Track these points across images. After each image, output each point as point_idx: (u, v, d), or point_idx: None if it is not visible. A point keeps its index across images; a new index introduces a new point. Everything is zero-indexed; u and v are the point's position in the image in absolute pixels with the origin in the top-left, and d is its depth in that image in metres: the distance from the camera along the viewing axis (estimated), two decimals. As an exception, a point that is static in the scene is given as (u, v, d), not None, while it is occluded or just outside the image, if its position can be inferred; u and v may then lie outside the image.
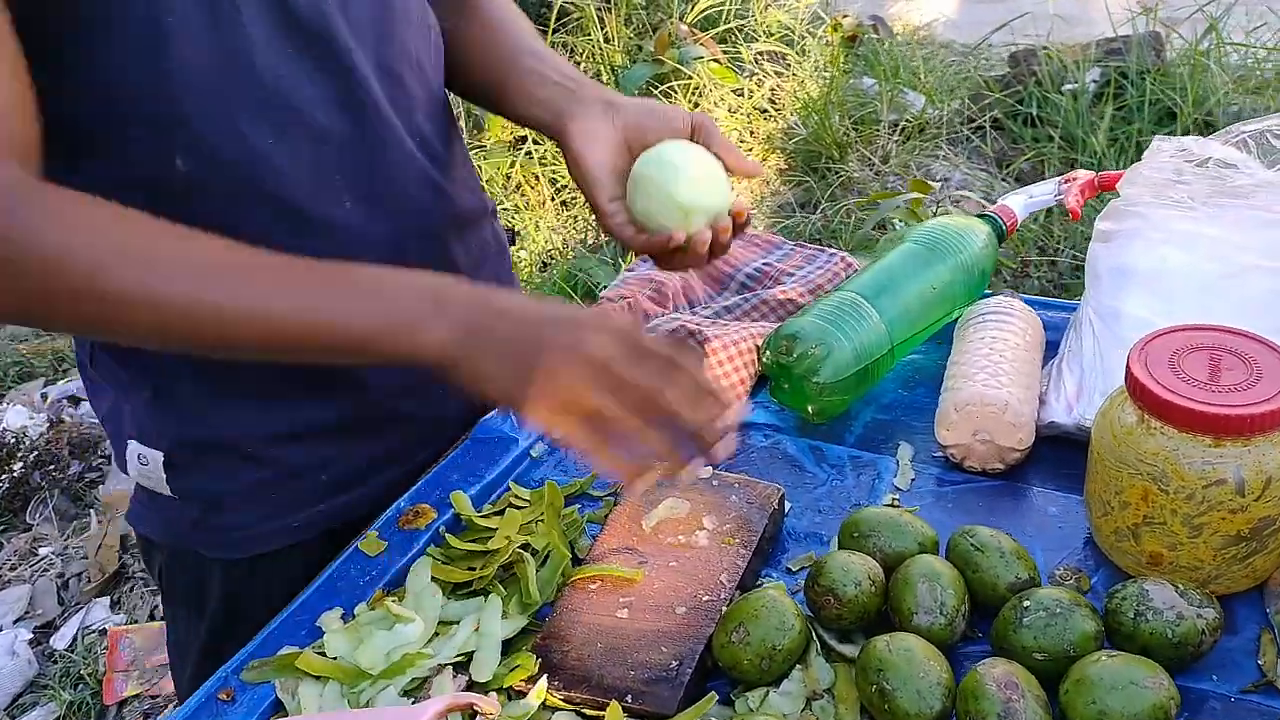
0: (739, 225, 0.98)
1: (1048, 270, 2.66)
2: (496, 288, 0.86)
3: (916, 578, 0.84)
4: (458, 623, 0.90)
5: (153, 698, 2.20)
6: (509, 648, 0.88)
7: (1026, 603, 0.80)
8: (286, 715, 0.83)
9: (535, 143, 3.36)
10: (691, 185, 0.93)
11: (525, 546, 0.96)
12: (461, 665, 0.86)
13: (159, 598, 2.35)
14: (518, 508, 1.02)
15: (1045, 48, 3.33)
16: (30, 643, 2.32)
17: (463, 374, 0.80)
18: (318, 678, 0.85)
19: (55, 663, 2.31)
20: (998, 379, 1.01)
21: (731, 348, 1.11)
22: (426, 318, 0.79)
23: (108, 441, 2.86)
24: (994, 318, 1.11)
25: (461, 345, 0.79)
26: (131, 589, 2.43)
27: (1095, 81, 3.20)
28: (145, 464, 1.02)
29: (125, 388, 1.01)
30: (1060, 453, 1.03)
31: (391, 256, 0.87)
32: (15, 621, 2.41)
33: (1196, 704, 0.78)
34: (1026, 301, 1.19)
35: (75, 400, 3.07)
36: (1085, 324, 1.07)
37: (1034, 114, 3.19)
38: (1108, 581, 0.89)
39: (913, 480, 1.03)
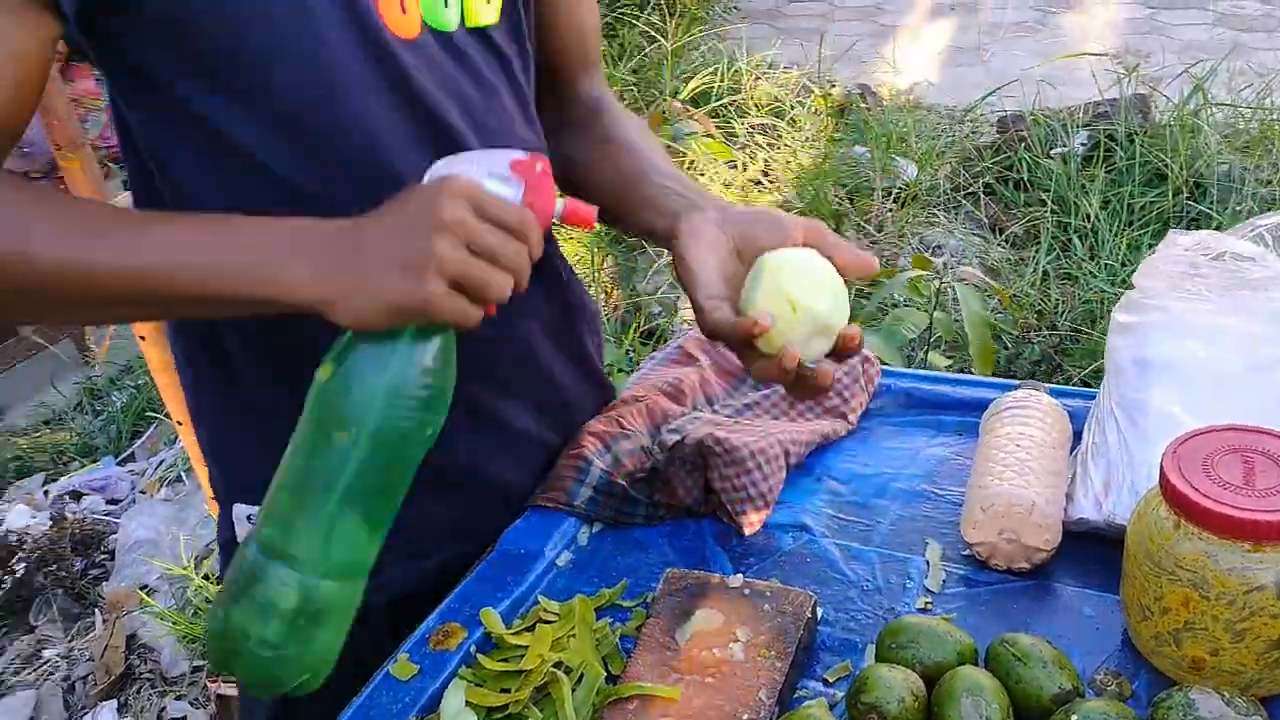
0: (848, 350, 0.90)
1: (1048, 337, 2.68)
2: (341, 219, 0.84)
3: (960, 692, 0.83)
4: (495, 751, 0.88)
5: (164, 803, 2.15)
6: (548, 776, 0.87)
7: (1074, 716, 0.80)
8: None
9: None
10: (805, 282, 0.87)
11: (559, 665, 0.95)
12: (502, 798, 0.84)
13: (167, 699, 2.32)
14: (548, 622, 1.01)
15: (1033, 113, 3.38)
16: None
17: (340, 312, 0.81)
18: (357, 815, 0.84)
19: (62, 770, 2.26)
20: (1024, 477, 1.01)
21: (759, 456, 1.11)
22: (285, 259, 0.83)
23: (112, 537, 2.84)
24: (1020, 412, 1.11)
25: (332, 280, 0.81)
26: (139, 690, 2.39)
27: (1084, 144, 3.25)
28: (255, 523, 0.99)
29: (224, 446, 1.07)
30: (1088, 549, 1.02)
31: None
32: (19, 728, 2.37)
33: (1251, 815, 0.77)
34: (1051, 393, 1.19)
35: (77, 495, 3.05)
36: (1109, 417, 1.07)
37: (1025, 179, 3.23)
38: (1149, 686, 0.89)
39: (944, 581, 1.02)
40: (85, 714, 2.38)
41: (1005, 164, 3.30)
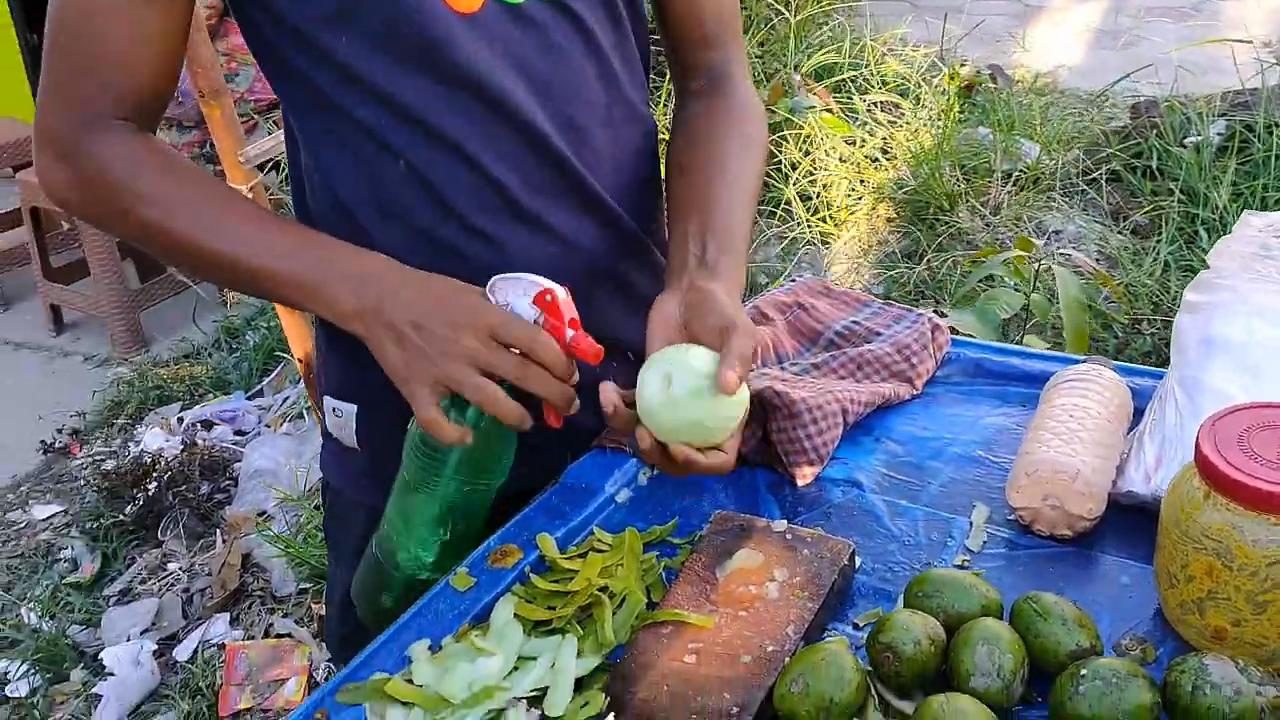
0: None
1: (1161, 329, 2.61)
2: (415, 272, 1.02)
3: (976, 639, 0.86)
4: (536, 659, 0.95)
5: (264, 711, 2.32)
6: (582, 685, 0.93)
7: (1084, 671, 0.82)
8: (375, 737, 0.90)
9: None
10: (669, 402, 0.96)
11: (604, 589, 1.01)
12: (536, 700, 0.91)
13: (275, 616, 2.48)
14: (600, 551, 1.08)
15: (1168, 99, 3.27)
16: (154, 654, 2.46)
17: (371, 348, 1.00)
18: (405, 704, 0.91)
19: (176, 674, 2.45)
20: (1072, 446, 1.03)
21: (816, 411, 1.15)
22: (344, 290, 1.00)
23: (236, 464, 3.03)
24: (1079, 384, 1.12)
25: (367, 327, 1.00)
26: (250, 606, 2.57)
27: (1220, 134, 3.13)
28: (339, 416, 1.22)
29: (329, 345, 1.21)
30: (1137, 522, 1.03)
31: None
32: (142, 632, 2.57)
33: (1256, 782, 0.78)
34: (1118, 369, 1.19)
35: (208, 424, 3.26)
36: (1169, 394, 1.07)
37: (1154, 167, 3.13)
38: (1173, 653, 0.90)
39: (984, 543, 1.05)
40: (201, 623, 2.57)
41: (1134, 151, 3.20)
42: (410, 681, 0.93)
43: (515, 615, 1.00)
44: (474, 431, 0.99)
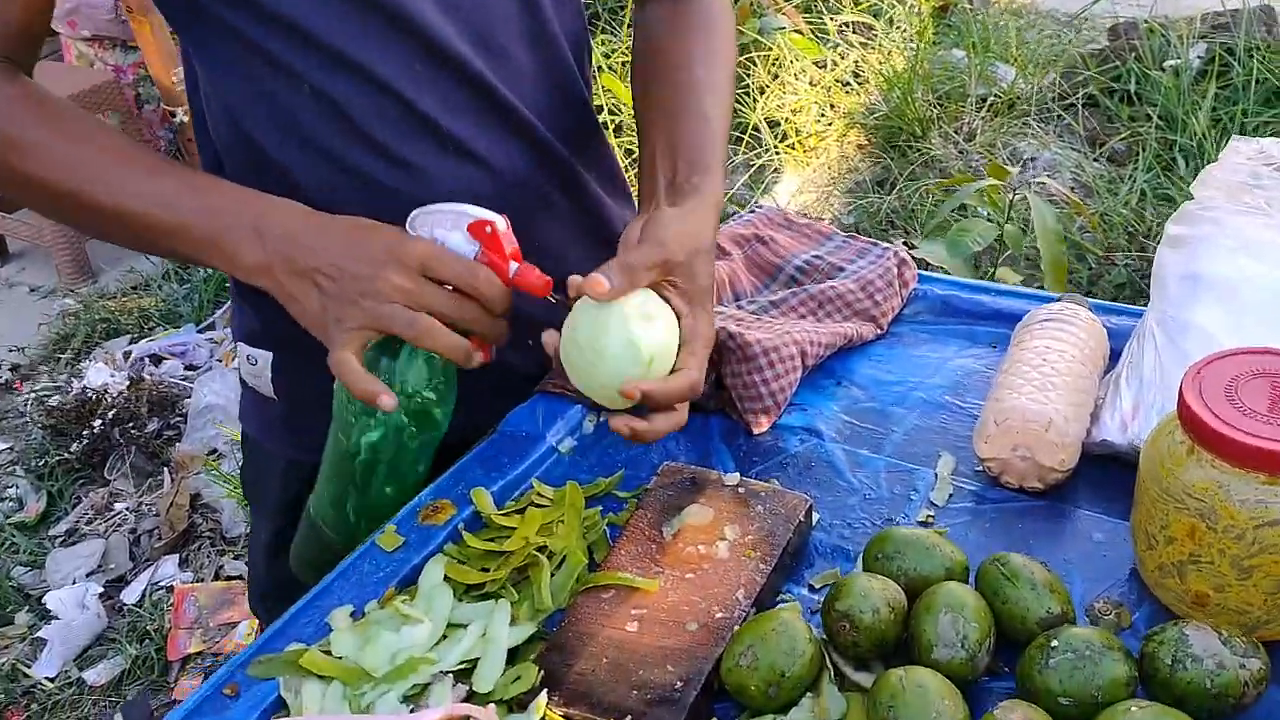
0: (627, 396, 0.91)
1: (1137, 260, 2.54)
2: (318, 214, 0.92)
3: (939, 607, 0.79)
4: (466, 627, 0.88)
5: (215, 655, 2.25)
6: (515, 655, 0.86)
7: (1055, 642, 0.75)
8: (288, 714, 0.83)
9: (611, 112, 3.32)
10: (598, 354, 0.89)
11: (542, 549, 0.94)
12: (465, 672, 0.84)
13: (225, 558, 2.41)
14: (539, 507, 1.00)
15: (1148, 21, 3.16)
16: (101, 596, 2.39)
17: (279, 299, 0.92)
18: (322, 677, 0.84)
19: (124, 616, 2.38)
20: (1045, 393, 0.96)
21: (772, 354, 1.07)
22: (245, 241, 0.91)
23: (186, 400, 2.93)
24: (1053, 325, 1.05)
25: (272, 275, 0.91)
26: (199, 548, 2.49)
27: (1199, 58, 3.04)
28: (254, 364, 1.14)
29: (238, 288, 1.12)
30: (1111, 474, 0.97)
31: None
32: (88, 575, 2.49)
33: (1236, 760, 0.72)
34: (1093, 308, 1.12)
35: (157, 359, 3.15)
36: (1148, 335, 1.00)
37: (1132, 91, 3.04)
38: (1150, 619, 0.84)
39: (950, 496, 0.98)
40: (149, 565, 2.49)
41: (1112, 74, 3.11)
42: (328, 653, 0.86)
43: (445, 578, 0.92)
44: (405, 376, 0.91)
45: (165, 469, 2.73)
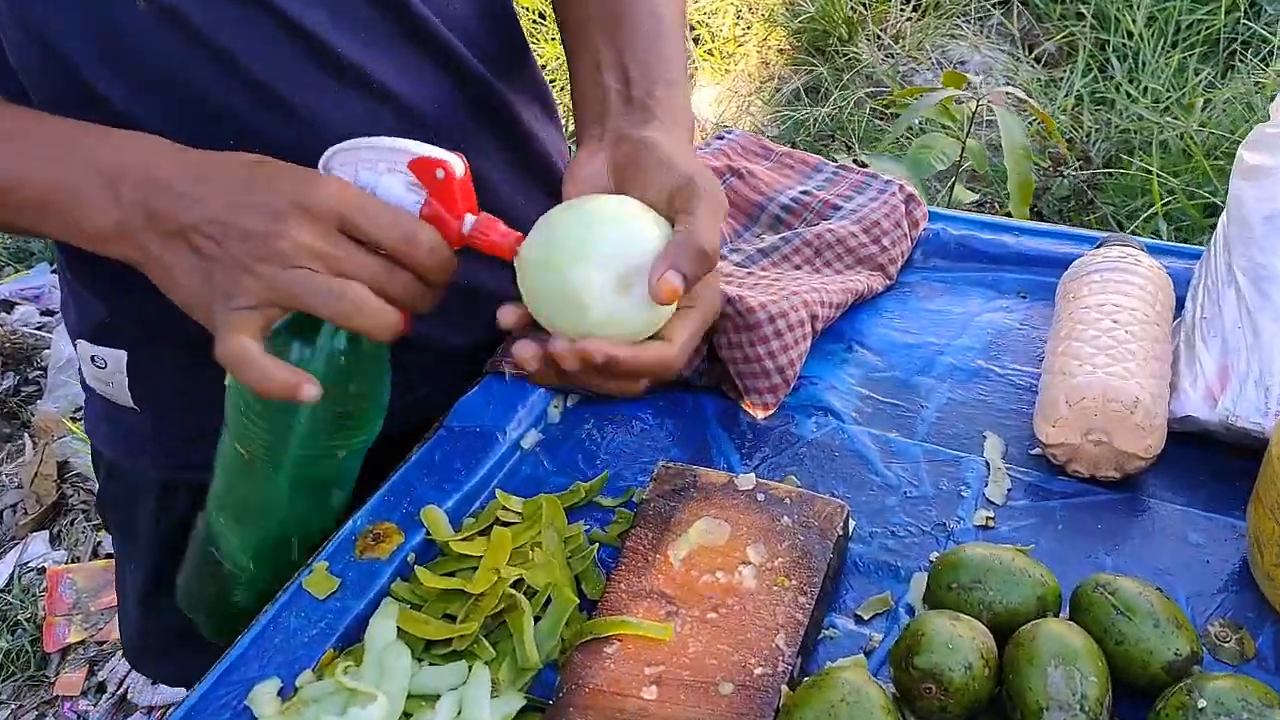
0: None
1: (1080, 169, 2.42)
2: (194, 152, 0.68)
3: (1046, 658, 0.63)
4: (435, 699, 0.68)
5: (99, 644, 2.01)
6: (500, 736, 0.67)
7: (1201, 702, 0.60)
8: (205, 842, 0.63)
9: None
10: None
11: (518, 583, 0.75)
12: (439, 769, 0.65)
13: (101, 533, 2.14)
14: (507, 524, 0.80)
15: (1076, -88, 3.00)
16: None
17: (146, 272, 0.69)
18: (247, 787, 0.64)
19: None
20: (1124, 365, 0.79)
21: (779, 320, 0.88)
22: (92, 195, 0.67)
23: (45, 352, 2.61)
24: (1114, 276, 0.88)
25: (132, 240, 0.67)
26: (73, 522, 2.22)
27: (1131, -48, 2.89)
28: (101, 367, 0.89)
29: (73, 271, 0.88)
30: (1193, 455, 0.81)
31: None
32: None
33: None
34: (1148, 249, 0.95)
35: (8, 305, 2.80)
36: (1226, 284, 0.84)
37: (1062, -12, 2.89)
38: (1276, 644, 0.69)
39: (1008, 491, 0.81)
40: (14, 544, 2.21)
41: (1041, -29, 2.95)
42: (253, 751, 0.65)
43: (399, 632, 0.72)
44: (328, 367, 0.69)
45: (25, 433, 2.43)
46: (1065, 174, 2.36)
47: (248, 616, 0.75)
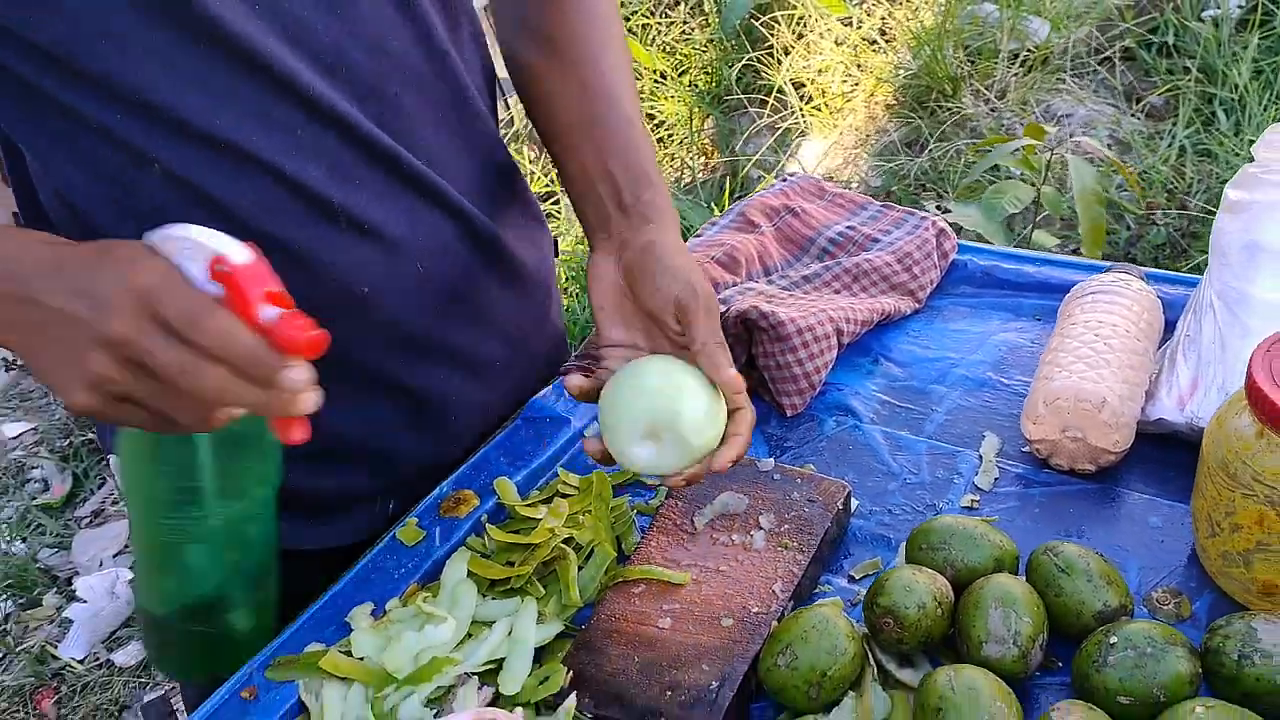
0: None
1: (1177, 219, 2.46)
2: (72, 243, 0.67)
3: (989, 601, 0.75)
4: (491, 624, 0.84)
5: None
6: (543, 653, 0.82)
7: (1113, 638, 0.71)
8: (308, 718, 0.80)
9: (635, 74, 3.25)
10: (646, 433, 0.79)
11: (569, 541, 0.90)
12: (490, 673, 0.80)
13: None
14: (565, 496, 0.96)
15: (1186, -30, 3.05)
16: (129, 580, 2.38)
17: (18, 353, 0.68)
18: (342, 679, 0.81)
19: (152, 597, 2.37)
20: (1098, 371, 0.91)
21: (807, 334, 1.02)
22: None
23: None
24: (1104, 297, 0.99)
25: (9, 322, 0.66)
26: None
27: (1240, 7, 2.93)
28: None
29: None
30: (1168, 453, 0.92)
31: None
32: (115, 555, 2.48)
33: (1310, 762, 0.68)
34: (1147, 277, 1.06)
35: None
36: (1206, 307, 0.95)
37: (1170, 43, 2.94)
38: (1212, 610, 0.79)
39: (995, 480, 0.93)
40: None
41: (1149, 26, 3.00)
42: (349, 654, 0.83)
43: (469, 573, 0.89)
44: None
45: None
46: (1159, 223, 2.41)
47: (199, 658, 0.83)
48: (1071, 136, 1.88)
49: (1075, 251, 2.28)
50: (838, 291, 1.14)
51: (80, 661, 2.24)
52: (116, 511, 2.61)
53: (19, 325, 0.66)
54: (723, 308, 1.06)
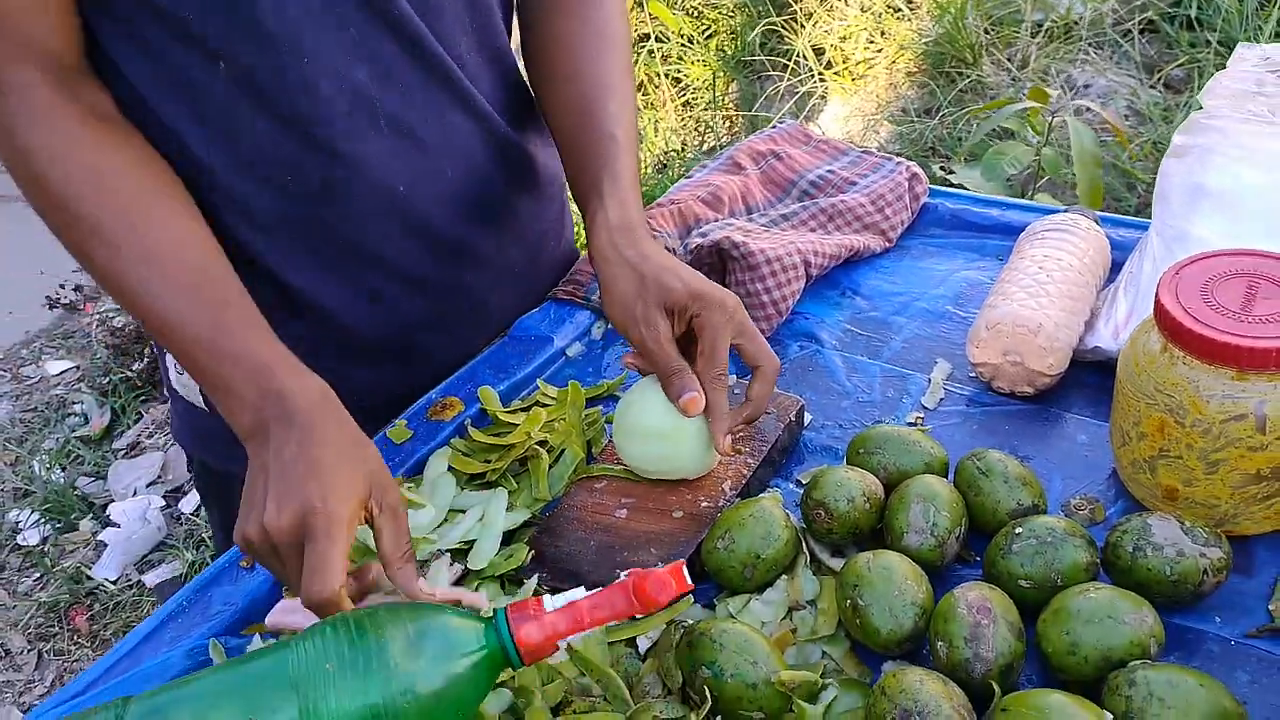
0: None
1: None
2: (329, 416, 0.79)
3: (912, 497, 0.82)
4: (466, 511, 0.93)
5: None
6: (510, 538, 0.91)
7: (1019, 529, 0.78)
8: (297, 586, 0.88)
9: (659, 40, 3.31)
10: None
11: (542, 443, 0.98)
12: (462, 553, 0.89)
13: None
14: (543, 405, 1.04)
15: (1213, -58, 3.05)
16: (161, 508, 2.50)
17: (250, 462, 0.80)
18: (329, 554, 0.90)
19: (181, 524, 2.49)
20: (1037, 299, 0.97)
21: (775, 263, 1.09)
22: (244, 406, 0.79)
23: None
24: (1053, 234, 1.05)
25: (250, 438, 0.79)
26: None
27: (1266, -20, 2.93)
28: (182, 373, 1.04)
29: None
30: (1104, 379, 0.98)
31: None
32: (149, 485, 2.60)
33: (1194, 644, 0.75)
34: (1102, 220, 1.12)
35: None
36: (1148, 246, 1.01)
37: (1192, 16, 2.95)
38: (1124, 514, 0.86)
39: (941, 400, 1.00)
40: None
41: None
42: (337, 533, 0.91)
43: (450, 468, 0.97)
44: None
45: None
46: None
47: None
48: (1077, 101, 1.91)
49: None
50: (813, 230, 1.21)
51: (113, 582, 2.37)
52: (151, 444, 2.74)
53: (253, 460, 0.78)
54: (700, 240, 1.14)
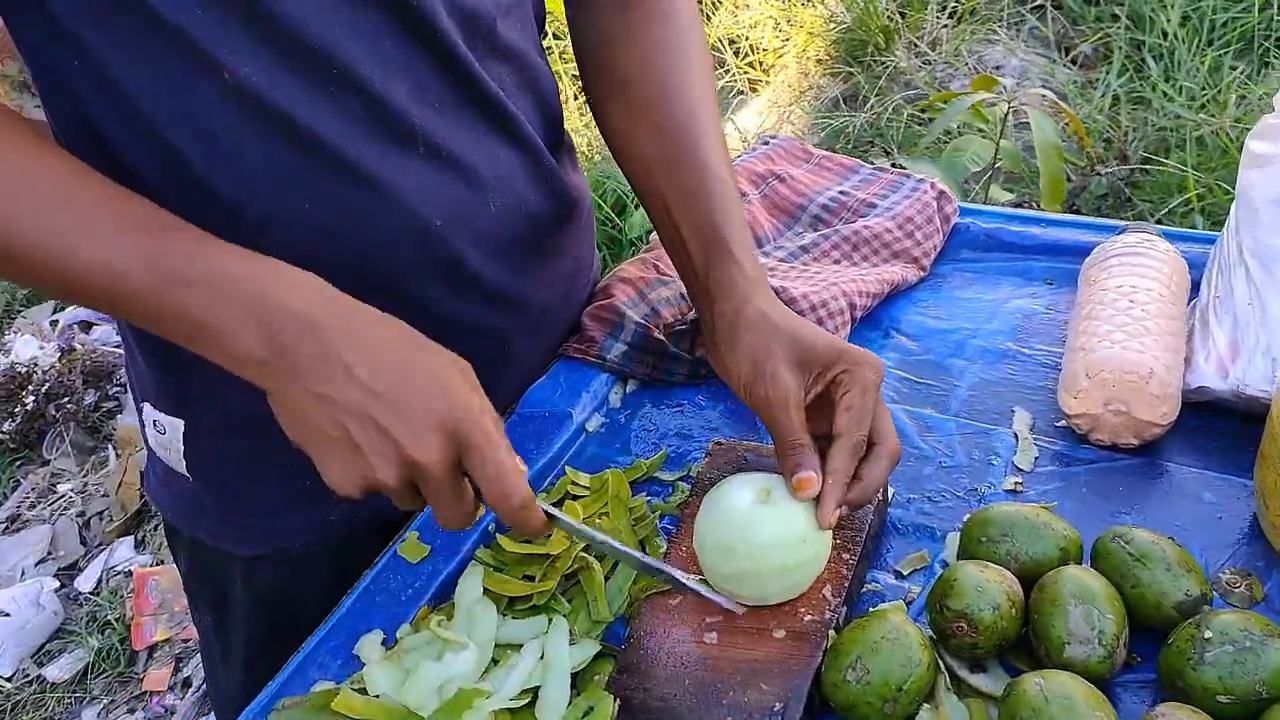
0: None
1: (1117, 169, 2.46)
2: (340, 301, 0.69)
3: (1067, 598, 0.70)
4: (518, 647, 0.77)
5: (184, 641, 2.12)
6: (579, 678, 0.75)
7: (1208, 633, 0.66)
8: (324, 769, 0.71)
9: (555, 37, 3.13)
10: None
11: (588, 547, 0.83)
12: (526, 705, 0.73)
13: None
14: (576, 498, 0.89)
15: (1109, -85, 3.05)
16: (55, 589, 2.23)
17: (276, 409, 0.69)
18: (359, 721, 0.73)
19: (80, 606, 2.23)
20: (1140, 340, 0.86)
21: (820, 310, 0.96)
22: (247, 331, 0.67)
23: (122, 370, 2.75)
24: (1130, 260, 0.95)
25: (278, 381, 0.67)
26: (155, 527, 2.34)
27: (1164, -48, 2.93)
28: (162, 432, 0.90)
29: (139, 339, 0.88)
30: (1209, 422, 0.88)
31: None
32: (37, 563, 2.33)
33: None
34: (1164, 235, 1.02)
35: (87, 325, 2.95)
36: (1236, 265, 0.91)
37: (1096, -10, 2.94)
38: (1285, 588, 0.75)
39: (1035, 459, 0.88)
40: (102, 550, 2.34)
41: (1075, -26, 3.00)
42: (363, 691, 0.74)
43: (485, 590, 0.81)
44: None
45: (109, 444, 2.56)
46: (1101, 173, 2.41)
47: None
48: (1015, 90, 1.84)
49: (1030, 205, 2.27)
50: (838, 261, 1.08)
51: (8, 679, 2.10)
52: (35, 516, 2.45)
53: (303, 394, 0.66)
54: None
